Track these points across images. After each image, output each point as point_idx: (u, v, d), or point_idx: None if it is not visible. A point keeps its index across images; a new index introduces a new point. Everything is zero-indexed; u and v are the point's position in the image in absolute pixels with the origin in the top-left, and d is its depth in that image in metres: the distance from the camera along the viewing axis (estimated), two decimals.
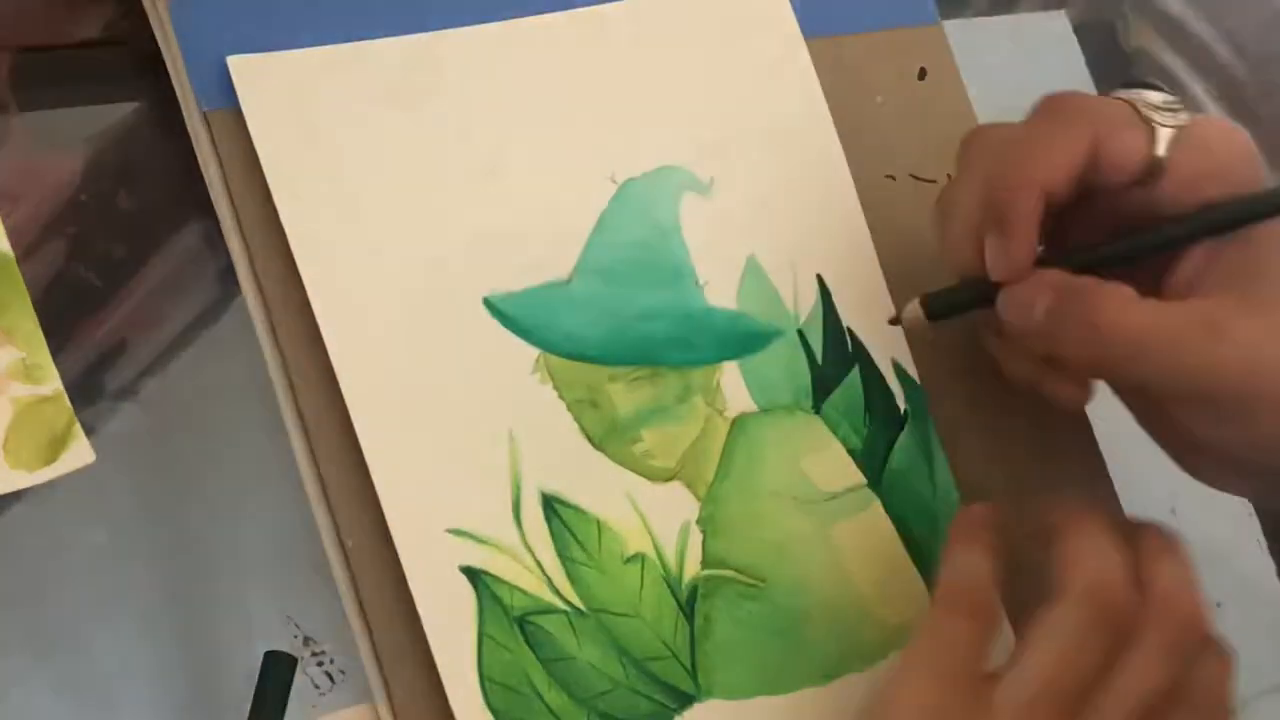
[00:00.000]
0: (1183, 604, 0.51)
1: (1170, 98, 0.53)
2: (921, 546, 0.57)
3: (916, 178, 0.62)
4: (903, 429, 0.58)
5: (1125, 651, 0.50)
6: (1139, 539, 0.53)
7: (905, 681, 0.51)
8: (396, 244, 0.53)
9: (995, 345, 0.56)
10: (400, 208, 0.53)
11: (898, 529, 0.57)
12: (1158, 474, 0.57)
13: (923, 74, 0.64)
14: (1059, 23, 0.73)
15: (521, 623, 0.50)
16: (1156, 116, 0.53)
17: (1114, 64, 0.74)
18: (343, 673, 0.51)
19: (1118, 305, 0.51)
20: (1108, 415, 0.62)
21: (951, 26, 0.67)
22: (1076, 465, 0.60)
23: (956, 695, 0.50)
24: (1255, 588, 0.63)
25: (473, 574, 0.50)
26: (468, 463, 0.51)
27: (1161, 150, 0.52)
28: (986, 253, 0.53)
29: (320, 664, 0.51)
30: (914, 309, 0.55)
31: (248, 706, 0.47)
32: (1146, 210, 0.53)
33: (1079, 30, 0.73)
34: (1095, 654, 0.50)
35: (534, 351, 0.53)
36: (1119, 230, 0.54)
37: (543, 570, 0.51)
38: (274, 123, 0.52)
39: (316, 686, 0.51)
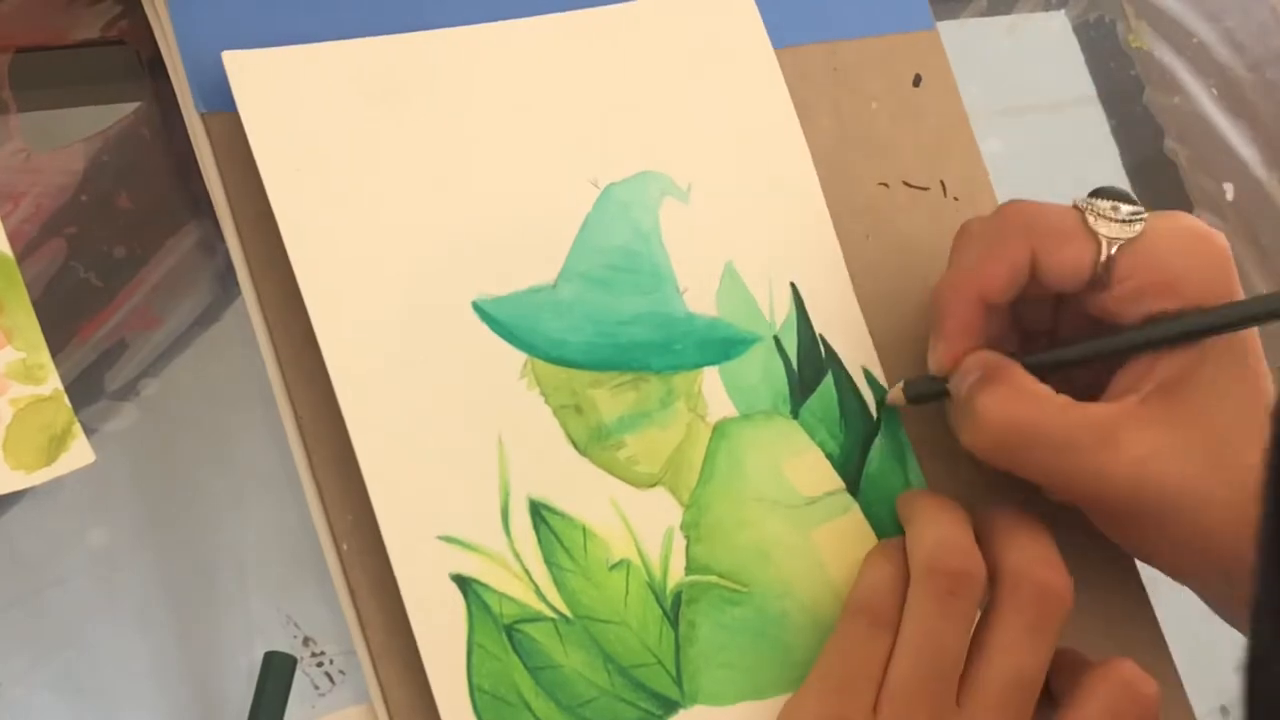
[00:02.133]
0: (1035, 577, 0.52)
1: (1130, 207, 0.54)
2: None
3: (910, 185, 0.62)
4: (876, 434, 0.58)
5: (987, 631, 0.52)
6: (989, 523, 0.54)
7: (806, 692, 0.52)
8: (388, 243, 0.53)
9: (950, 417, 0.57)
10: (391, 207, 0.53)
11: (875, 532, 0.57)
12: None
13: (918, 80, 0.64)
14: (1059, 23, 0.73)
15: (510, 631, 0.50)
16: (1103, 228, 0.54)
17: (1114, 64, 0.74)
18: (343, 673, 0.51)
19: (1005, 397, 0.53)
20: None
21: (951, 26, 0.67)
22: None
23: (854, 702, 0.51)
24: None
25: (463, 582, 0.50)
26: (458, 468, 0.51)
27: (1107, 260, 0.54)
28: (929, 350, 0.56)
29: (320, 664, 0.51)
30: (896, 393, 0.58)
31: (248, 706, 0.47)
32: (1103, 312, 0.55)
33: (1079, 30, 0.73)
34: (954, 626, 0.51)
35: (522, 356, 0.53)
36: (1085, 325, 0.55)
37: (530, 577, 0.51)
38: (268, 118, 0.52)
39: (316, 687, 0.51)
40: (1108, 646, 0.56)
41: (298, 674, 0.49)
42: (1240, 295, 0.54)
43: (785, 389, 0.57)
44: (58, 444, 0.49)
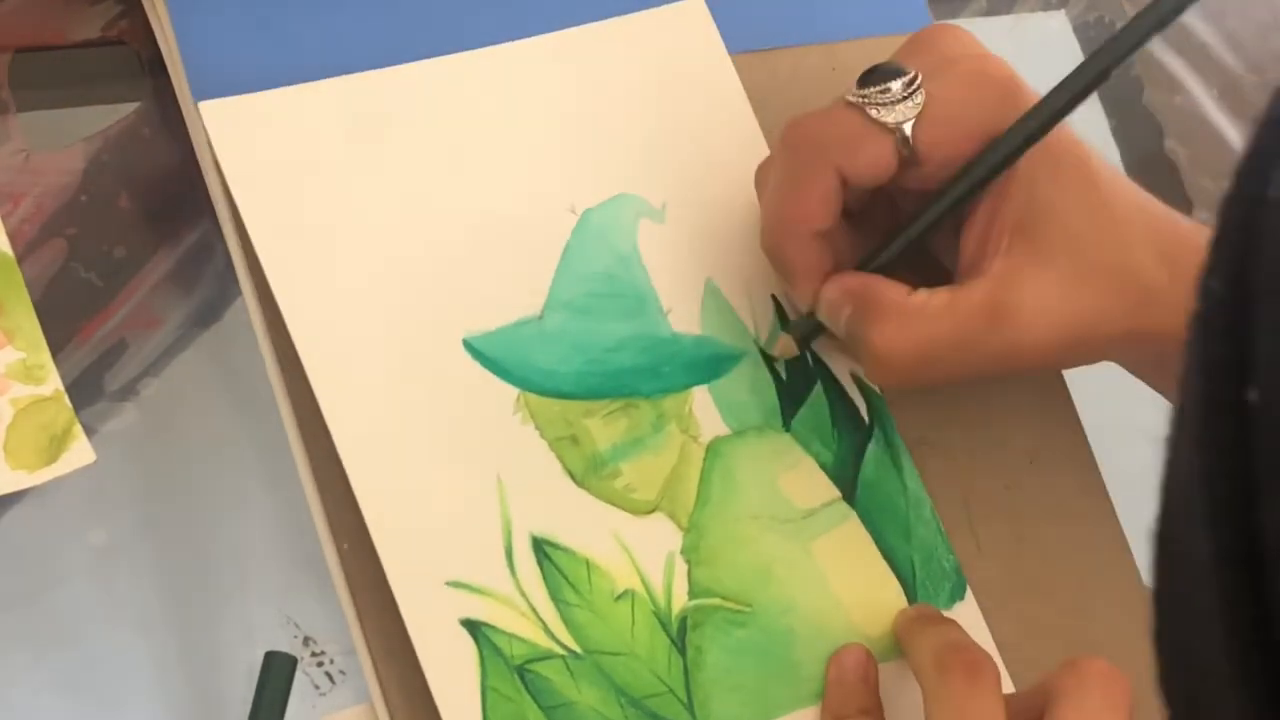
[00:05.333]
0: (1096, 664, 0.50)
1: (900, 81, 0.52)
2: (898, 554, 0.57)
3: None
4: (870, 439, 0.58)
5: (1057, 713, 0.49)
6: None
7: None
8: (375, 286, 0.52)
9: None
10: (375, 249, 0.53)
11: (874, 539, 0.57)
12: (1157, 475, 0.56)
13: None
14: (1059, 23, 0.73)
15: (521, 671, 0.50)
16: (887, 116, 0.52)
17: None
18: (343, 673, 0.51)
19: (893, 330, 0.52)
20: (1106, 415, 0.62)
21: None
22: (1065, 463, 0.60)
23: None
24: None
25: (473, 626, 0.50)
26: (461, 511, 0.51)
27: (906, 140, 0.52)
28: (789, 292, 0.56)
29: (320, 664, 0.51)
30: (787, 343, 0.57)
31: (248, 707, 0.47)
32: (925, 185, 0.53)
33: (1079, 30, 0.73)
34: (986, 704, 0.49)
35: (514, 391, 0.53)
36: (921, 202, 0.54)
37: (538, 615, 0.51)
38: (250, 166, 0.51)
39: (316, 686, 0.51)
40: (1107, 646, 0.56)
41: (298, 674, 0.49)
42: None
43: (775, 402, 0.57)
44: (58, 444, 0.49)
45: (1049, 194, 0.52)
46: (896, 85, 0.52)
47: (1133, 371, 0.57)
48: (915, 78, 0.52)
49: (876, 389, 0.58)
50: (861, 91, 0.53)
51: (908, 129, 0.52)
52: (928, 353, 0.52)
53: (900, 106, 0.52)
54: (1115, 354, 0.56)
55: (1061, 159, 0.53)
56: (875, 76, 0.53)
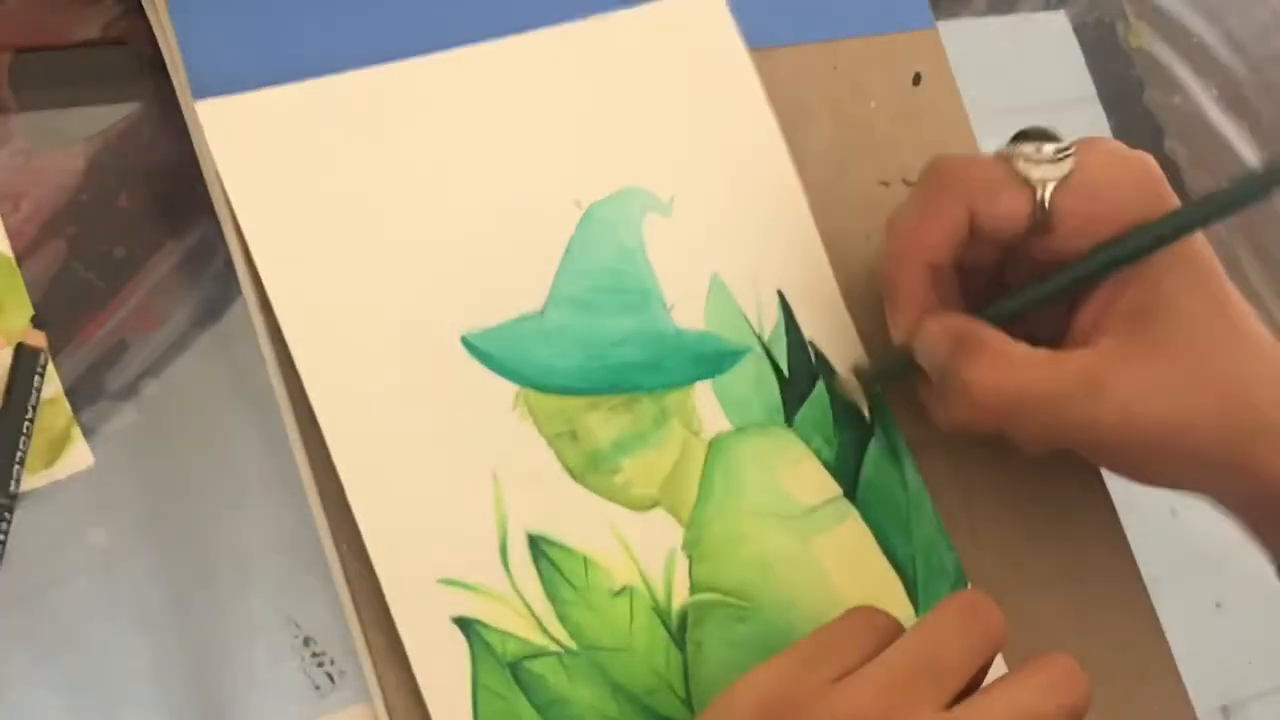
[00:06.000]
0: (1063, 659, 0.48)
1: (1053, 145, 0.53)
2: (899, 552, 0.57)
3: (910, 184, 0.62)
4: (871, 437, 0.58)
5: (1003, 678, 0.47)
6: None
7: (768, 662, 0.48)
8: (373, 283, 0.52)
9: (923, 394, 0.57)
10: (374, 246, 0.52)
11: (875, 536, 0.57)
12: None
13: (917, 79, 0.64)
14: (1059, 23, 0.73)
15: (514, 669, 0.50)
16: (1033, 172, 0.53)
17: (1114, 64, 0.74)
18: (343, 673, 0.51)
19: (990, 366, 0.52)
20: None
21: (951, 27, 0.67)
22: (1065, 462, 0.60)
23: (813, 672, 0.47)
24: (1255, 588, 0.63)
25: (464, 624, 0.50)
26: (454, 509, 0.51)
27: (1044, 203, 0.53)
28: (888, 322, 0.56)
29: (320, 664, 0.51)
30: (849, 378, 0.58)
31: (248, 706, 0.47)
32: (1048, 254, 0.54)
33: (1079, 30, 0.73)
34: (965, 640, 0.47)
35: (513, 387, 0.53)
36: (1029, 269, 0.55)
37: (532, 613, 0.51)
38: (245, 165, 0.51)
39: (316, 687, 0.51)
40: (1108, 645, 0.56)
41: (298, 674, 0.49)
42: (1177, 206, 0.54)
43: (778, 398, 0.57)
44: (56, 447, 0.49)
45: (1175, 293, 0.52)
46: (1049, 148, 0.53)
47: (1225, 509, 0.55)
48: (1069, 147, 0.53)
49: (879, 388, 0.58)
50: (1014, 146, 0.54)
51: (1049, 190, 0.53)
52: (1019, 399, 0.52)
53: (1047, 167, 0.53)
54: (1209, 483, 0.54)
55: (1195, 264, 0.53)
56: (1030, 135, 0.54)
